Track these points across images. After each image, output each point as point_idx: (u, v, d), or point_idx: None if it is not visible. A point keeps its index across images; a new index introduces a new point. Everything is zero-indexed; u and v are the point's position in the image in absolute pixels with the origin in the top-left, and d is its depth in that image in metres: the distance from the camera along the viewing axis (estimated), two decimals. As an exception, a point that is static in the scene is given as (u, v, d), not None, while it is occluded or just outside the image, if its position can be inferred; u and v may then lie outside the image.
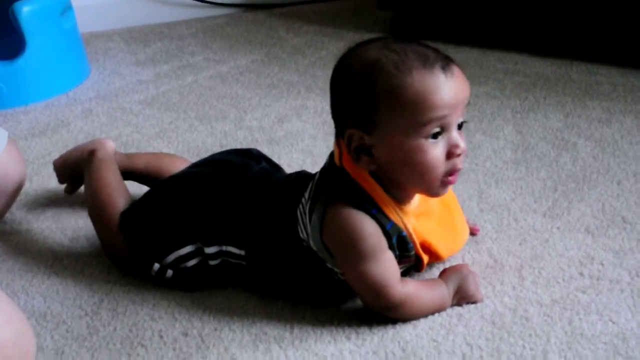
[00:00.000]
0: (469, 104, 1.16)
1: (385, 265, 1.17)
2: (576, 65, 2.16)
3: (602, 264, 1.32)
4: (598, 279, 1.29)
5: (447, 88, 1.11)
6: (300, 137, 1.83)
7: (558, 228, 1.43)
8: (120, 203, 1.38)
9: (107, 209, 1.38)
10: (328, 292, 1.26)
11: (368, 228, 1.15)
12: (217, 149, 1.71)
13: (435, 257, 1.27)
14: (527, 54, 2.24)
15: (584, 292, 1.26)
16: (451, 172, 1.16)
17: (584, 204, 1.50)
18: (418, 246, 1.21)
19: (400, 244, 1.19)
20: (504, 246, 1.38)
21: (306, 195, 1.21)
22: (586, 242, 1.38)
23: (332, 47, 2.38)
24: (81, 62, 2.25)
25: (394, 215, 1.18)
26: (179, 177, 1.39)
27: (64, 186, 1.58)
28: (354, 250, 1.16)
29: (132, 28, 2.62)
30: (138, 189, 1.53)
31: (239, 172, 1.35)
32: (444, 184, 1.17)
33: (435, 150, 1.13)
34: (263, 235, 1.26)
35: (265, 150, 1.58)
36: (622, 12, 2.14)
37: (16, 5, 2.06)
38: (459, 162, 1.16)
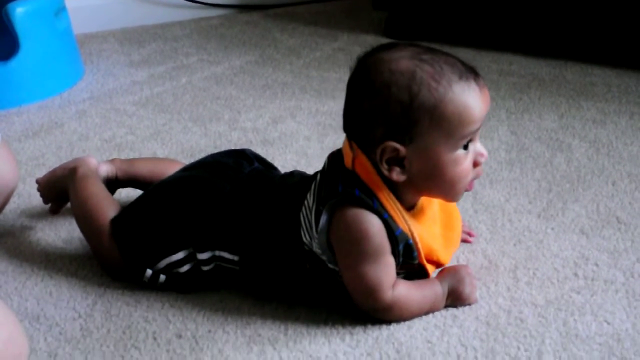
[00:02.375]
0: None
1: (383, 269, 1.17)
2: (571, 65, 2.16)
3: (596, 265, 1.32)
4: (593, 279, 1.29)
5: (481, 101, 1.13)
6: (294, 138, 1.82)
7: (552, 229, 1.43)
8: (109, 211, 1.37)
9: (96, 218, 1.36)
10: (325, 294, 1.25)
11: (374, 228, 1.15)
12: (211, 150, 1.71)
13: (437, 265, 1.26)
14: (522, 54, 2.24)
15: (578, 293, 1.26)
16: (472, 179, 1.18)
17: (579, 204, 1.50)
18: (422, 256, 1.21)
19: (406, 251, 1.19)
20: (498, 247, 1.38)
21: (309, 198, 1.20)
22: (581, 243, 1.38)
23: (327, 48, 2.38)
24: (75, 63, 2.25)
25: (402, 223, 1.17)
26: (170, 181, 1.38)
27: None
28: (356, 249, 1.16)
29: (126, 29, 2.62)
30: (133, 194, 1.53)
31: (230, 175, 1.34)
32: (466, 190, 1.19)
33: (467, 161, 1.15)
34: (259, 240, 1.25)
35: (260, 151, 1.58)
36: (616, 12, 2.14)
37: (10, 6, 2.05)
38: (480, 170, 1.18)
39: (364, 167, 1.17)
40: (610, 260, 1.33)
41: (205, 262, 1.28)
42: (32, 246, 1.46)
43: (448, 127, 1.12)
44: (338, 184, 1.17)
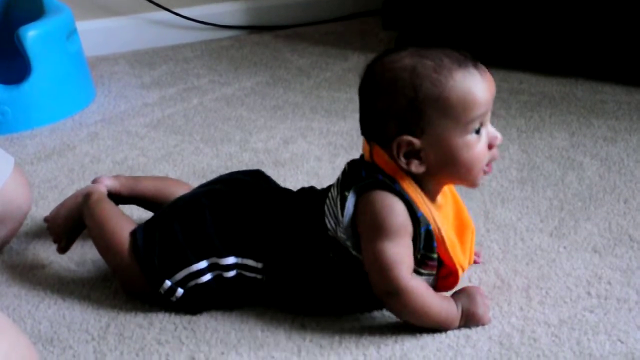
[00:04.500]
0: None
1: (403, 250, 1.20)
2: (581, 83, 2.16)
3: (609, 283, 1.32)
4: (606, 298, 1.28)
5: (484, 85, 1.19)
6: (305, 158, 1.83)
7: (565, 247, 1.42)
8: (128, 229, 1.36)
9: (117, 236, 1.35)
10: (349, 294, 1.27)
11: (398, 207, 1.19)
12: (222, 171, 1.71)
13: (454, 267, 1.26)
14: (532, 72, 2.24)
15: (591, 312, 1.25)
16: (489, 162, 1.23)
17: (591, 222, 1.50)
18: (447, 245, 1.22)
19: (427, 239, 1.21)
20: (510, 266, 1.38)
21: (333, 191, 1.25)
22: (593, 262, 1.38)
23: (337, 68, 2.39)
24: (87, 85, 2.26)
25: (424, 207, 1.21)
26: (190, 195, 1.41)
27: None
28: (379, 225, 1.19)
29: (137, 51, 2.63)
30: (144, 216, 1.53)
31: (250, 189, 1.38)
32: (484, 173, 1.23)
33: (480, 144, 1.20)
34: (284, 242, 1.28)
35: (271, 172, 1.58)
36: (626, 30, 2.14)
37: (22, 29, 2.06)
38: (496, 152, 1.23)
39: (382, 158, 1.22)
40: (623, 278, 1.33)
41: (229, 267, 1.29)
42: (44, 269, 1.46)
43: (454, 113, 1.17)
44: (362, 172, 1.23)
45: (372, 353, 1.19)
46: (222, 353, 1.21)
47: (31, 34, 2.07)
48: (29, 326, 1.30)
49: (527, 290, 1.31)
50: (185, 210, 1.35)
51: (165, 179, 1.65)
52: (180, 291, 1.30)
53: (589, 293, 1.30)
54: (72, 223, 1.47)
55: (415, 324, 1.22)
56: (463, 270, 1.28)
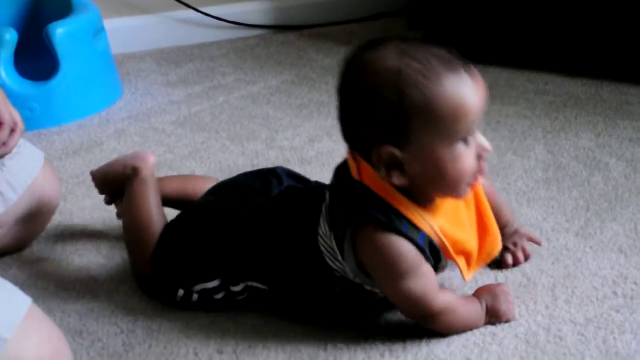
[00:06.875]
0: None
1: (425, 279, 1.16)
2: (607, 85, 2.16)
3: (635, 283, 1.32)
4: (632, 297, 1.29)
5: (474, 92, 1.10)
6: (331, 156, 1.84)
7: (591, 247, 1.42)
8: (158, 227, 1.36)
9: (145, 230, 1.36)
10: (361, 312, 1.27)
11: (404, 247, 1.14)
12: (248, 169, 1.71)
13: (469, 256, 1.22)
14: (557, 73, 2.24)
15: (617, 311, 1.25)
16: (476, 175, 1.14)
17: (617, 223, 1.50)
18: (450, 249, 1.17)
19: (433, 253, 1.17)
20: (536, 265, 1.38)
21: (323, 224, 1.19)
22: (619, 262, 1.38)
23: (362, 68, 2.39)
24: (113, 82, 2.28)
25: (421, 223, 1.15)
26: (199, 209, 1.37)
27: (98, 202, 1.57)
28: (392, 271, 1.15)
29: (163, 49, 2.65)
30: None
31: (257, 200, 1.33)
32: (471, 185, 1.16)
33: (469, 156, 1.12)
34: (286, 271, 1.25)
35: (297, 169, 1.58)
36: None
37: (50, 27, 2.08)
38: (484, 165, 1.14)
39: (370, 177, 1.14)
40: (649, 278, 1.33)
41: (239, 293, 1.29)
42: (73, 262, 1.47)
43: (442, 123, 1.08)
44: (349, 203, 1.16)
45: (398, 349, 1.20)
46: (250, 347, 1.22)
47: (59, 31, 2.09)
48: (57, 318, 1.31)
49: (553, 289, 1.31)
50: (194, 228, 1.33)
51: (186, 177, 1.65)
52: (195, 296, 1.31)
53: (615, 292, 1.30)
54: (116, 188, 1.46)
55: (449, 333, 1.22)
56: (473, 255, 1.22)
